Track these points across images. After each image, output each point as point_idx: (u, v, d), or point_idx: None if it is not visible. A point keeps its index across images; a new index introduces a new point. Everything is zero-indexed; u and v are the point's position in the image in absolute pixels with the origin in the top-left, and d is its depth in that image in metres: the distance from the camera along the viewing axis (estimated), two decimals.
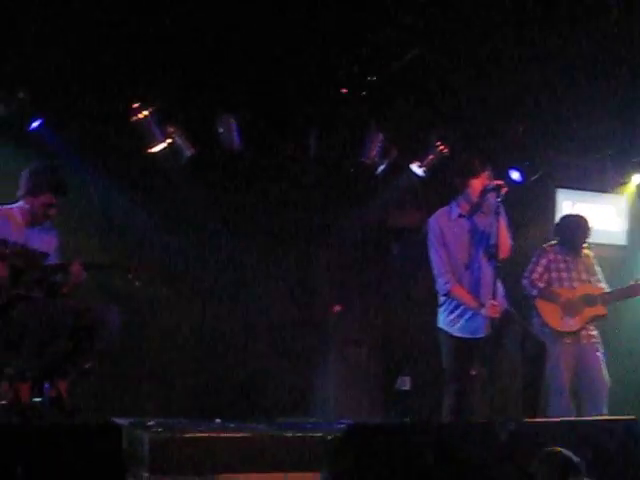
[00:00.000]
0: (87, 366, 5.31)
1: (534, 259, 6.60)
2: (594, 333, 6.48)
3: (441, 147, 7.73)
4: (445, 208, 5.72)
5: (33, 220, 5.37)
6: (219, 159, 7.36)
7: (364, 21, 6.18)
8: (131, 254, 6.03)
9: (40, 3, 5.82)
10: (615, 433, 4.59)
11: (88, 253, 6.00)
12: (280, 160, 7.64)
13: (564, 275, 6.53)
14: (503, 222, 5.45)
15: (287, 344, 7.79)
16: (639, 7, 5.91)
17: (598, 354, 6.44)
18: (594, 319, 6.47)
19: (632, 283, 6.57)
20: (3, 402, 5.00)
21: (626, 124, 7.46)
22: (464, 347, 5.52)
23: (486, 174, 5.57)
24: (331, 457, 4.15)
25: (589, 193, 8.39)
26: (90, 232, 6.80)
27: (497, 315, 5.32)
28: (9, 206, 5.40)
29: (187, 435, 5.24)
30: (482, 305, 5.39)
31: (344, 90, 7.17)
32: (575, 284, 6.50)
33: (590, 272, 6.59)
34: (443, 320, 5.64)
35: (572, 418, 5.98)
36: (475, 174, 5.56)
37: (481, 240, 5.53)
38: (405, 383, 7.60)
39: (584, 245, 6.64)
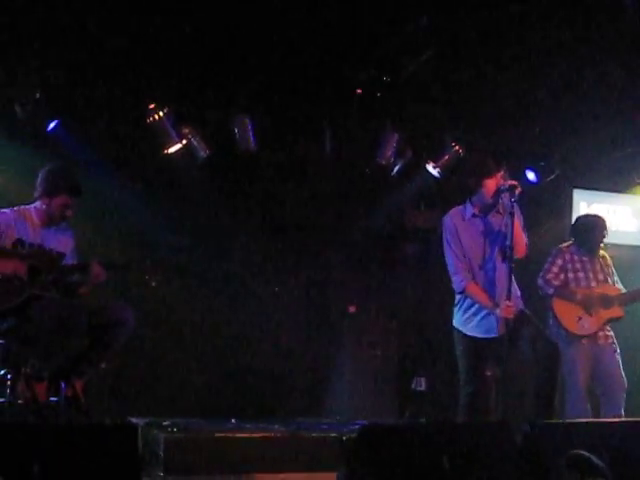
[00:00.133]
0: (103, 365, 5.34)
1: (550, 259, 6.56)
2: (610, 334, 6.44)
3: (456, 147, 7.72)
4: (459, 207, 5.68)
5: (49, 221, 5.40)
6: (234, 160, 7.39)
7: (380, 22, 6.18)
8: (146, 254, 6.04)
9: (57, 5, 5.85)
10: (634, 435, 4.55)
11: (104, 253, 6.02)
12: (295, 161, 7.65)
13: (580, 275, 6.48)
14: (518, 222, 5.40)
15: (302, 345, 7.81)
16: None
17: (615, 354, 6.40)
18: (610, 321, 6.44)
19: None
20: (20, 401, 5.01)
21: None
22: (477, 347, 5.47)
23: (500, 174, 5.53)
24: (347, 457, 4.13)
25: (605, 193, 8.36)
26: (106, 233, 6.82)
27: (511, 316, 5.28)
28: (26, 206, 5.44)
29: (203, 435, 5.27)
30: (497, 305, 5.36)
31: (359, 91, 7.17)
32: (592, 284, 6.46)
33: (606, 273, 6.55)
34: (458, 319, 5.61)
35: (589, 419, 5.95)
36: (489, 174, 5.52)
37: (496, 240, 5.48)
38: (421, 384, 7.60)
39: (600, 246, 6.61)
